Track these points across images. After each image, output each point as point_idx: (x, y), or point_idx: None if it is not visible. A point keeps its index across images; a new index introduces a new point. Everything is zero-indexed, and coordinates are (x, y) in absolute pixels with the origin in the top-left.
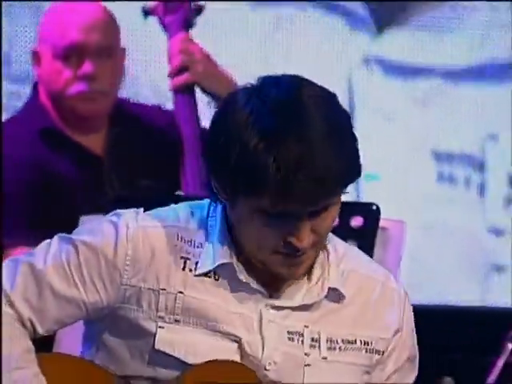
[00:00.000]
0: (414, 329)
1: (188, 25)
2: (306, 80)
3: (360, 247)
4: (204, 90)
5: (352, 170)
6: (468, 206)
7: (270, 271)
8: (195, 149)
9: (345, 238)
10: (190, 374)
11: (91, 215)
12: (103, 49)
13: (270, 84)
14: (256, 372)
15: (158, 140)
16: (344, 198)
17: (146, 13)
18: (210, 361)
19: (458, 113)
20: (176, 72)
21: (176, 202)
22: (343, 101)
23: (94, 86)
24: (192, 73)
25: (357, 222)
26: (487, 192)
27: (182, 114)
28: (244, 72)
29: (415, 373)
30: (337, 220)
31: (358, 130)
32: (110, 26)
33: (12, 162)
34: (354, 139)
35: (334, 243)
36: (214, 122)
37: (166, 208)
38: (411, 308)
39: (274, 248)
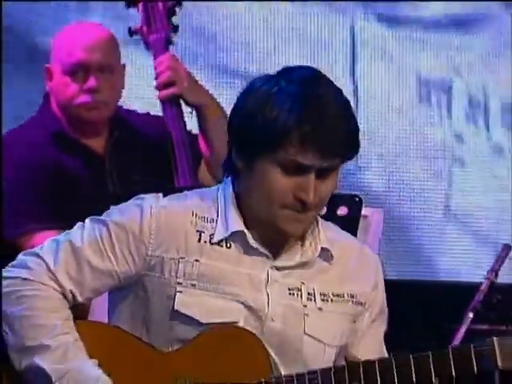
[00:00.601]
0: (384, 290)
1: (169, 43)
2: (319, 71)
3: (347, 230)
4: (186, 102)
5: (354, 142)
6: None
7: (275, 230)
8: (183, 148)
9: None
10: (199, 339)
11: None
12: (105, 66)
13: (287, 69)
14: (261, 327)
15: (151, 141)
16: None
17: (132, 32)
18: (219, 325)
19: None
20: (163, 86)
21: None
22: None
23: (97, 98)
24: (178, 87)
25: (342, 211)
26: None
27: (170, 120)
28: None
29: (385, 325)
30: (325, 209)
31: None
32: (111, 45)
33: (29, 161)
34: (356, 121)
35: (320, 220)
36: (238, 100)
37: (181, 193)
38: (381, 269)
39: (285, 202)
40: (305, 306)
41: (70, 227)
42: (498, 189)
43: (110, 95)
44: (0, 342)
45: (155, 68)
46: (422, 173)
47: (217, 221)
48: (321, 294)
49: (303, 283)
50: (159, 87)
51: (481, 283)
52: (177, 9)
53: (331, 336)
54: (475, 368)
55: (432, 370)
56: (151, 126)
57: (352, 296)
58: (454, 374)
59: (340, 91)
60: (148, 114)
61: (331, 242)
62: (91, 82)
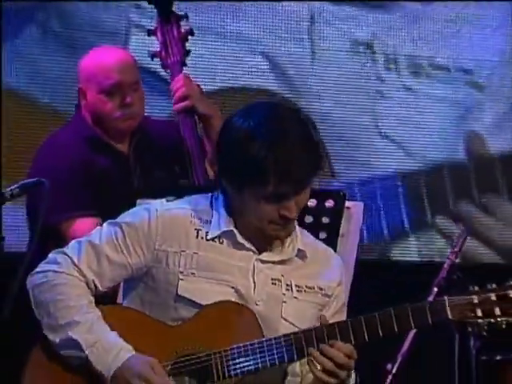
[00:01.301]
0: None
1: (184, 65)
2: (280, 103)
3: (331, 221)
4: (197, 112)
5: (320, 159)
6: None
7: (261, 235)
8: (196, 151)
9: (321, 215)
10: (206, 310)
11: (144, 199)
12: (134, 84)
13: (255, 107)
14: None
15: (166, 143)
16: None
17: (152, 56)
18: (218, 301)
19: None
20: (179, 100)
21: (181, 189)
22: None
23: (132, 110)
24: (191, 100)
25: (330, 203)
26: None
27: (185, 128)
28: None
29: (345, 315)
30: (315, 202)
31: None
32: (135, 65)
33: (67, 160)
34: (317, 138)
35: (297, 226)
36: (218, 141)
37: (182, 199)
38: (344, 271)
39: (272, 220)
40: (284, 294)
41: (102, 214)
42: None
43: (140, 107)
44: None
45: (172, 85)
46: None
47: (211, 221)
48: (296, 286)
49: (283, 276)
50: (176, 101)
51: (444, 263)
52: (189, 36)
53: (302, 321)
54: (430, 320)
55: (395, 324)
56: (166, 130)
57: (321, 289)
58: (412, 325)
59: (297, 115)
60: (163, 120)
61: (305, 245)
62: (128, 99)
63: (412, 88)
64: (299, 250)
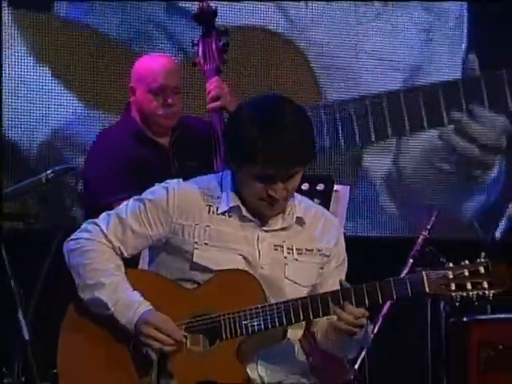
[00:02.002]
0: (344, 245)
1: (219, 71)
2: (286, 99)
3: (322, 202)
4: (228, 111)
5: (309, 154)
6: None
7: (258, 211)
8: (223, 140)
9: (313, 196)
10: (216, 277)
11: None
12: (175, 88)
13: (263, 98)
14: (254, 273)
15: (200, 138)
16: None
17: (194, 64)
18: (228, 269)
19: None
20: (213, 100)
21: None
22: None
23: (172, 110)
24: (222, 101)
25: (320, 187)
26: None
27: (217, 124)
28: None
29: (346, 269)
30: (307, 185)
31: None
32: (178, 71)
33: (118, 151)
34: (312, 135)
35: (296, 195)
36: (229, 124)
37: (195, 179)
38: (342, 230)
39: (261, 198)
40: (285, 257)
41: None
42: None
43: (179, 109)
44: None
45: (207, 87)
46: None
47: (221, 198)
48: (297, 249)
49: (284, 241)
50: (209, 101)
51: (418, 237)
52: (227, 48)
53: (304, 279)
54: (409, 292)
55: (379, 295)
56: (200, 127)
57: (319, 250)
58: (395, 297)
59: (299, 112)
60: (199, 118)
61: (304, 212)
62: (170, 100)
63: None
64: (298, 217)
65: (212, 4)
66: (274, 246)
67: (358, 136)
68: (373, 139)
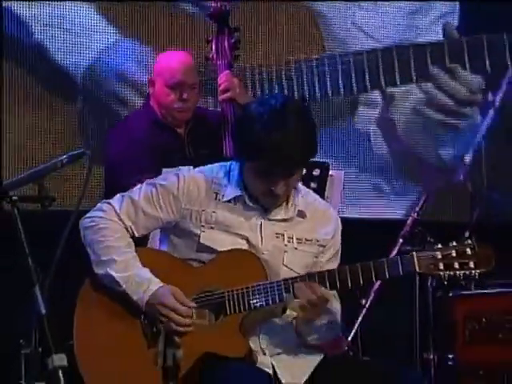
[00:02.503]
0: (340, 237)
1: (230, 66)
2: (292, 99)
3: (318, 186)
4: (236, 102)
5: (310, 155)
6: None
7: (260, 202)
8: (232, 129)
9: (310, 181)
10: (221, 255)
11: (168, 169)
12: (192, 84)
13: (270, 98)
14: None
15: (212, 128)
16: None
17: (207, 59)
18: (231, 249)
19: None
20: (223, 92)
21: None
22: None
23: (187, 105)
24: (232, 93)
25: (316, 172)
26: None
27: (226, 113)
28: None
29: (338, 261)
30: (304, 170)
31: None
32: (195, 69)
33: (138, 138)
34: (315, 137)
35: (300, 187)
36: (237, 120)
37: (205, 167)
38: (340, 224)
39: (265, 193)
40: (285, 245)
41: None
42: None
43: (193, 103)
44: None
45: (218, 80)
46: None
47: (227, 186)
48: (297, 239)
49: (285, 230)
50: (220, 93)
51: (407, 219)
52: (238, 45)
53: (299, 267)
54: (401, 272)
55: (373, 274)
56: (213, 118)
57: (318, 241)
58: (387, 276)
59: (303, 114)
60: (212, 110)
61: (306, 205)
62: (185, 95)
63: None
64: (299, 211)
65: None
66: (276, 234)
67: (355, 85)
68: (368, 88)
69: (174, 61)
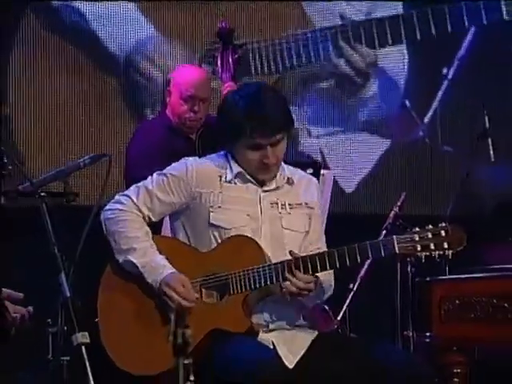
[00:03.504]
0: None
1: (233, 78)
2: (263, 84)
3: None
4: None
5: (287, 122)
6: None
7: (256, 177)
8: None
9: None
10: (227, 241)
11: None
12: (203, 98)
13: (245, 86)
14: (258, 228)
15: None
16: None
17: (214, 72)
18: (234, 235)
19: None
20: None
21: None
22: None
23: (197, 116)
24: None
25: (309, 170)
26: None
27: None
28: None
29: (323, 219)
30: (299, 170)
31: None
32: (208, 83)
33: (154, 142)
34: (288, 107)
35: (283, 164)
36: (218, 110)
37: (207, 156)
38: (320, 189)
39: (257, 165)
40: (280, 212)
41: None
42: None
43: (203, 115)
44: None
45: (222, 90)
46: None
47: (227, 168)
48: (289, 204)
49: (278, 199)
50: None
51: (389, 213)
52: (241, 60)
53: (298, 226)
54: (382, 253)
55: (358, 256)
56: None
57: (306, 203)
58: (370, 256)
59: (275, 91)
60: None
61: (292, 174)
62: (196, 108)
63: None
64: (288, 178)
65: None
66: (271, 203)
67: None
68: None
69: (189, 75)
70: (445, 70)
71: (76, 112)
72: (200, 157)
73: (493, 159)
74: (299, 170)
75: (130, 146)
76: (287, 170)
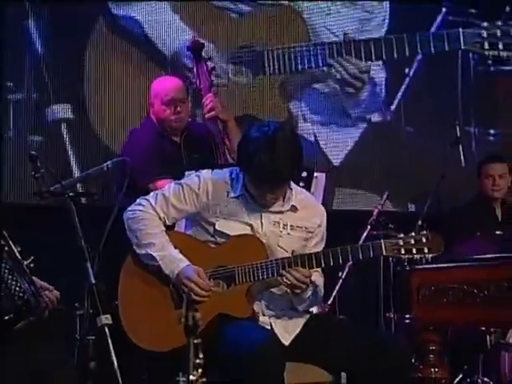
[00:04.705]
0: (325, 226)
1: (211, 87)
2: (283, 124)
3: (305, 184)
4: (220, 119)
5: (296, 173)
6: None
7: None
8: (220, 143)
9: (299, 181)
10: (232, 239)
11: (189, 171)
12: (182, 99)
13: (264, 125)
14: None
15: (200, 136)
16: None
17: (190, 83)
18: (240, 234)
19: None
20: (209, 111)
21: (210, 166)
22: None
23: (180, 116)
24: (216, 111)
25: (304, 174)
26: None
27: (212, 128)
28: None
29: (323, 246)
30: (308, 195)
31: None
32: (183, 86)
33: (147, 145)
34: (300, 159)
35: (296, 187)
36: (240, 140)
37: (219, 170)
38: (325, 218)
39: (258, 196)
40: (281, 231)
41: (173, 177)
42: None
43: (186, 114)
44: None
45: (203, 102)
46: None
47: (234, 186)
48: (290, 226)
49: (281, 219)
50: (205, 112)
51: (374, 210)
52: (213, 71)
53: (291, 248)
54: (371, 254)
55: (350, 256)
56: (201, 129)
57: (306, 228)
58: (361, 257)
59: (292, 138)
60: (200, 123)
61: (299, 202)
62: (178, 108)
63: None
64: (292, 205)
65: None
66: (273, 222)
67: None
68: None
69: (165, 83)
70: (407, 70)
71: (141, 106)
72: (186, 159)
73: (463, 164)
74: (309, 197)
75: (124, 151)
76: (295, 195)
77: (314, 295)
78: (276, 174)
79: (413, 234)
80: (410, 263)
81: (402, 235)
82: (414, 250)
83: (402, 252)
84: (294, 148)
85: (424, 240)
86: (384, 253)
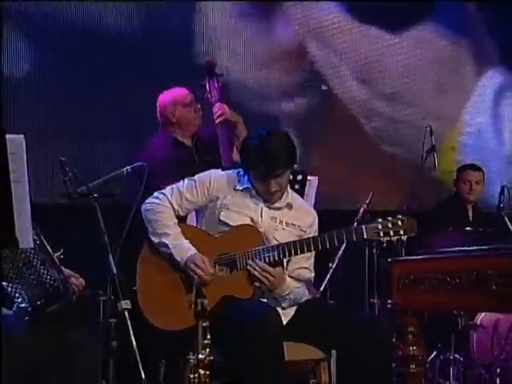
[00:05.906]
0: (317, 229)
1: (221, 99)
2: (278, 130)
3: (300, 187)
4: (229, 121)
5: (291, 160)
6: None
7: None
8: (228, 146)
9: (294, 184)
10: (233, 229)
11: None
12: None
13: (257, 131)
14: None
15: (209, 140)
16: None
17: (204, 95)
18: (240, 224)
19: None
20: (218, 117)
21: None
22: None
23: (200, 114)
24: (226, 115)
25: (299, 177)
26: None
27: (221, 133)
28: None
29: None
30: (291, 176)
31: None
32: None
33: (163, 150)
34: (294, 149)
35: (293, 193)
36: (241, 147)
37: (229, 170)
38: (317, 220)
39: (263, 192)
40: (277, 225)
41: (181, 179)
42: None
43: (199, 120)
44: None
45: (213, 110)
46: None
47: (240, 181)
48: (285, 222)
49: (278, 215)
50: (216, 118)
51: (360, 209)
52: (224, 86)
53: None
54: (354, 237)
55: (335, 239)
56: (210, 132)
57: (299, 226)
58: (345, 240)
59: (285, 137)
60: (207, 131)
61: (294, 202)
62: (197, 107)
63: None
64: (288, 203)
65: None
66: (271, 217)
67: None
68: None
69: (177, 91)
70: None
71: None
72: (197, 161)
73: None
74: (303, 201)
75: (142, 158)
76: (291, 196)
77: (294, 295)
78: (276, 159)
79: (389, 218)
80: (389, 246)
81: (380, 220)
82: (392, 233)
83: (381, 235)
84: (287, 139)
85: (400, 223)
86: (365, 236)
